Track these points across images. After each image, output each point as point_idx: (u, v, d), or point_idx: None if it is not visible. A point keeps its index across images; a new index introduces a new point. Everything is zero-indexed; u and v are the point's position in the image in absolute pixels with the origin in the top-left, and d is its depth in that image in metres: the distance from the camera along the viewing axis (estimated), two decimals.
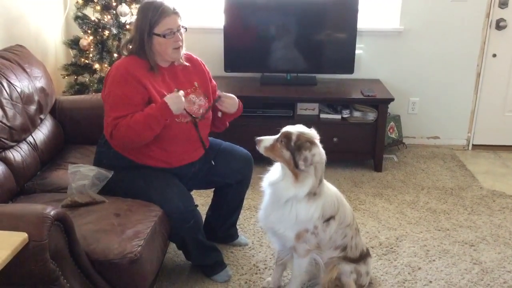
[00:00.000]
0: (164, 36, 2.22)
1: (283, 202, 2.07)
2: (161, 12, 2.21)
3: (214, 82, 2.55)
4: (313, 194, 2.05)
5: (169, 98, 2.17)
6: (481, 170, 3.84)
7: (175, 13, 2.24)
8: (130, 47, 2.31)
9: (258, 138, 2.09)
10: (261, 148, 2.08)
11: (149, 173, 2.31)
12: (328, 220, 2.13)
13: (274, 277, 2.41)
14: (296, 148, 1.99)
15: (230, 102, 2.42)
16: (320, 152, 2.02)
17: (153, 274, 2.11)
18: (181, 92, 2.23)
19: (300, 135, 2.01)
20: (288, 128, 2.06)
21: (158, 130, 2.19)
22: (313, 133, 2.07)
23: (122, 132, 2.16)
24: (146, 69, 2.26)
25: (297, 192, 2.03)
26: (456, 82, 4.15)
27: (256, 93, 3.74)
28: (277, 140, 2.05)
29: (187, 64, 2.41)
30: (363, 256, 2.30)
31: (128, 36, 3.44)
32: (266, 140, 2.08)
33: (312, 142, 2.01)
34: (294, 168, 2.00)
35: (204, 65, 2.51)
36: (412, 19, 4.01)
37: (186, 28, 2.31)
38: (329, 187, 2.19)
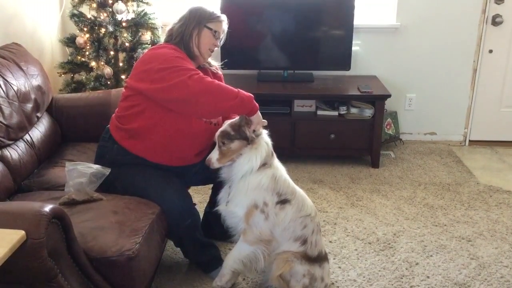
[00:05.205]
0: (214, 32, 2.36)
1: (238, 178, 2.13)
2: (219, 16, 2.39)
3: None
4: (268, 165, 2.15)
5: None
6: (478, 166, 3.86)
7: (226, 23, 2.43)
8: (171, 35, 2.36)
9: (206, 160, 2.18)
10: (214, 164, 2.16)
11: (149, 171, 2.31)
12: (283, 203, 2.13)
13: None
14: (237, 130, 2.12)
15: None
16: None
17: (151, 271, 2.12)
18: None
19: (230, 124, 2.16)
20: (218, 132, 2.17)
21: (235, 107, 2.20)
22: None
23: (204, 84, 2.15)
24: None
25: (253, 163, 2.12)
26: (453, 78, 4.16)
27: (253, 90, 3.60)
28: (219, 146, 2.14)
29: (218, 72, 2.53)
30: (321, 258, 2.22)
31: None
32: (213, 154, 2.16)
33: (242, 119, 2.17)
34: (249, 142, 2.13)
35: (222, 79, 2.59)
36: (409, 15, 4.02)
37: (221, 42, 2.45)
38: (287, 176, 2.23)
